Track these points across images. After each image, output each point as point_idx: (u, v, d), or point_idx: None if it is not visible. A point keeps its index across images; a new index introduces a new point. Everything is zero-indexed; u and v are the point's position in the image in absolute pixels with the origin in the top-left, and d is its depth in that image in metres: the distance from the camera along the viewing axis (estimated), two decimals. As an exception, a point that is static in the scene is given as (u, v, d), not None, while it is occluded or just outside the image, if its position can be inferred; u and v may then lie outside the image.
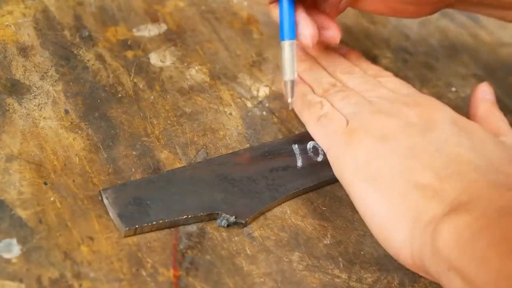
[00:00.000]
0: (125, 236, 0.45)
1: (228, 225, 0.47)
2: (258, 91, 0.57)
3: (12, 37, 0.57)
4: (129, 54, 0.58)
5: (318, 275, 0.45)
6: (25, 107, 0.52)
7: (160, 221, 0.46)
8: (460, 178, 0.46)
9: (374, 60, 0.62)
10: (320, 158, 0.52)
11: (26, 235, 0.44)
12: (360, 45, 0.64)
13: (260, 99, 0.57)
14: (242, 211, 0.47)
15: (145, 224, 0.45)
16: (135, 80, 0.56)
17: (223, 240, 0.46)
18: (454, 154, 0.48)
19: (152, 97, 0.55)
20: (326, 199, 0.50)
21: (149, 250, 0.45)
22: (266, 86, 0.58)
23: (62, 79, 0.55)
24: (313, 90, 0.56)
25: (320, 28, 0.54)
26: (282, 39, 0.50)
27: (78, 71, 0.56)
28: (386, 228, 0.46)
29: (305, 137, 0.53)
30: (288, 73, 0.50)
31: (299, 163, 0.51)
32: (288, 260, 0.46)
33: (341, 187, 0.50)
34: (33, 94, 0.53)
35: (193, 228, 0.47)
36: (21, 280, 0.42)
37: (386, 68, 0.61)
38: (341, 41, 0.56)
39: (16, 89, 0.53)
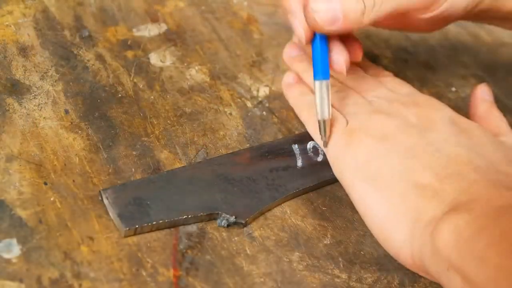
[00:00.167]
0: (125, 236, 0.45)
1: (228, 225, 0.47)
2: (258, 91, 0.57)
3: (12, 37, 0.57)
4: (129, 54, 0.58)
5: (318, 275, 0.45)
6: (25, 107, 0.52)
7: (160, 221, 0.46)
8: (460, 178, 0.46)
9: (374, 60, 0.62)
10: (320, 158, 0.52)
11: (26, 235, 0.44)
12: (360, 45, 0.64)
13: (260, 99, 0.57)
14: (242, 211, 0.47)
15: (145, 224, 0.45)
16: (135, 80, 0.56)
17: (223, 240, 0.46)
18: (453, 154, 0.48)
19: (152, 97, 0.55)
20: (326, 199, 0.50)
21: (149, 250, 0.45)
22: (266, 86, 0.58)
23: (62, 79, 0.55)
24: (312, 90, 0.56)
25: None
26: (316, 78, 0.49)
27: (78, 71, 0.56)
28: (386, 228, 0.46)
29: (305, 137, 0.53)
30: (320, 113, 0.50)
31: (299, 163, 0.51)
32: (288, 260, 0.46)
33: (341, 187, 0.50)
34: (33, 94, 0.53)
35: (193, 228, 0.47)
36: (21, 280, 0.42)
37: (386, 68, 0.61)
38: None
39: (16, 89, 0.53)
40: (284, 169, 0.51)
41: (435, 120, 0.51)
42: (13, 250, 0.43)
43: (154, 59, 0.58)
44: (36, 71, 0.55)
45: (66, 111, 0.52)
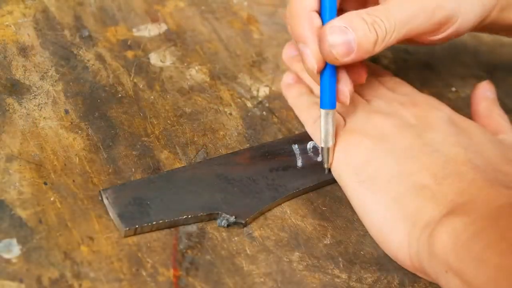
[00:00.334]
0: (125, 236, 0.45)
1: (228, 225, 0.47)
2: (258, 91, 0.57)
3: (12, 37, 0.57)
4: (129, 54, 0.58)
5: (318, 275, 0.45)
6: (25, 107, 0.52)
7: (160, 221, 0.46)
8: (459, 178, 0.46)
9: (374, 60, 0.62)
10: (320, 158, 0.52)
11: (26, 235, 0.44)
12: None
13: (260, 99, 0.57)
14: (242, 211, 0.47)
15: (145, 224, 0.45)
16: (135, 80, 0.56)
17: (223, 240, 0.46)
18: (452, 154, 0.48)
19: (152, 97, 0.55)
20: (326, 199, 0.50)
21: (149, 250, 0.45)
22: (266, 86, 0.58)
23: (62, 79, 0.55)
24: (311, 90, 0.56)
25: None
26: (323, 107, 0.49)
27: (78, 71, 0.56)
28: (384, 229, 0.46)
29: (305, 137, 0.53)
30: (324, 142, 0.50)
31: (299, 163, 0.51)
32: (288, 260, 0.46)
33: (341, 187, 0.50)
34: (33, 94, 0.53)
35: (193, 228, 0.47)
36: (21, 280, 0.42)
37: (386, 68, 0.61)
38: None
39: (16, 89, 0.53)
40: (284, 169, 0.51)
41: (433, 120, 0.51)
42: (13, 250, 0.43)
43: (154, 59, 0.58)
44: (36, 71, 0.55)
45: (66, 111, 0.52)
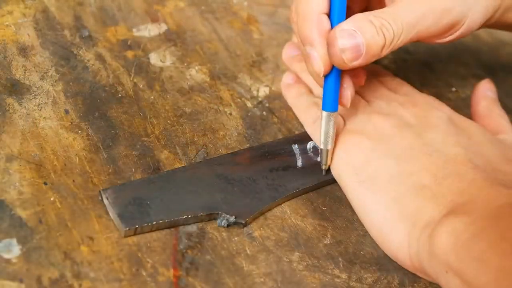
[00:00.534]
0: (125, 236, 0.45)
1: (228, 225, 0.47)
2: (258, 91, 0.57)
3: (12, 37, 0.57)
4: (129, 54, 0.58)
5: (318, 275, 0.45)
6: (25, 107, 0.52)
7: (160, 221, 0.46)
8: (458, 178, 0.46)
9: (374, 60, 0.62)
10: (320, 158, 0.52)
11: (26, 235, 0.44)
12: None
13: (260, 99, 0.57)
14: (242, 211, 0.47)
15: (145, 224, 0.45)
16: (135, 80, 0.56)
17: (223, 240, 0.46)
18: (452, 154, 0.48)
19: (152, 97, 0.55)
20: (326, 199, 0.50)
21: (149, 250, 0.45)
22: (266, 86, 0.58)
23: (62, 79, 0.55)
24: (311, 90, 0.56)
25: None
26: (325, 110, 0.49)
27: (78, 71, 0.56)
28: (384, 230, 0.46)
29: (305, 137, 0.53)
30: (324, 143, 0.49)
31: (299, 163, 0.51)
32: (288, 260, 0.46)
33: (341, 187, 0.50)
34: (33, 94, 0.53)
35: (193, 228, 0.47)
36: (21, 280, 0.42)
37: (386, 68, 0.61)
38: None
39: (16, 89, 0.53)
40: (284, 169, 0.51)
41: (433, 120, 0.51)
42: (13, 250, 0.43)
43: (154, 59, 0.58)
44: (36, 71, 0.55)
45: (66, 111, 0.52)
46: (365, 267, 0.46)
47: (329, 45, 0.46)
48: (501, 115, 0.54)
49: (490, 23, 0.51)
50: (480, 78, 0.62)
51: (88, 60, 0.57)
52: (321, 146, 0.50)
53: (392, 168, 0.48)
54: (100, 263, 0.44)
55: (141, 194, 0.47)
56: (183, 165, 0.50)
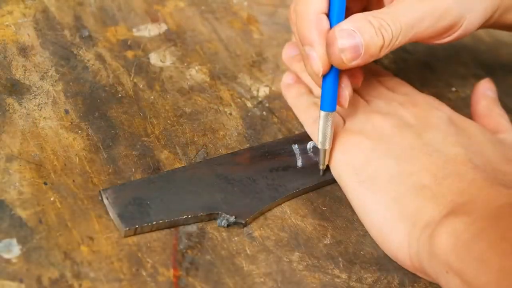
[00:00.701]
0: (125, 236, 0.45)
1: (228, 225, 0.47)
2: (258, 91, 0.57)
3: (12, 37, 0.57)
4: (129, 54, 0.58)
5: (318, 275, 0.45)
6: (25, 107, 0.52)
7: (160, 221, 0.46)
8: (458, 178, 0.46)
9: (374, 60, 0.62)
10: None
11: (26, 235, 0.44)
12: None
13: (260, 99, 0.57)
14: (242, 211, 0.47)
15: (145, 224, 0.45)
16: (135, 80, 0.56)
17: (223, 240, 0.46)
18: (452, 154, 0.48)
19: (152, 97, 0.55)
20: (326, 199, 0.50)
21: (149, 250, 0.45)
22: (266, 86, 0.58)
23: (62, 79, 0.55)
24: (310, 90, 0.56)
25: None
26: (323, 109, 0.49)
27: (78, 71, 0.56)
28: (384, 230, 0.46)
29: (305, 137, 0.53)
30: (322, 143, 0.49)
31: (299, 163, 0.51)
32: (288, 260, 0.46)
33: (341, 187, 0.50)
34: (33, 94, 0.53)
35: (193, 228, 0.47)
36: (21, 280, 0.42)
37: (386, 68, 0.61)
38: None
39: (16, 89, 0.53)
40: (284, 169, 0.51)
41: (433, 120, 0.51)
42: (13, 250, 0.43)
43: (154, 59, 0.58)
44: (36, 71, 0.55)
45: (66, 111, 0.52)
46: (365, 267, 0.46)
47: (328, 45, 0.46)
48: (501, 115, 0.54)
49: (489, 24, 0.51)
50: (480, 77, 0.62)
51: (88, 60, 0.57)
52: (319, 146, 0.50)
53: (392, 168, 0.48)
54: (100, 263, 0.44)
55: (141, 194, 0.47)
56: (183, 165, 0.50)
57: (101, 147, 0.50)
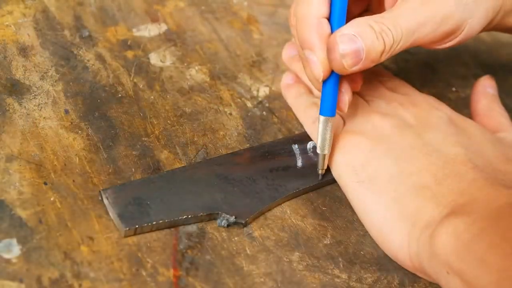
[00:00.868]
0: (125, 236, 0.45)
1: (228, 225, 0.47)
2: (258, 91, 0.57)
3: (12, 37, 0.57)
4: (129, 54, 0.58)
5: (318, 275, 0.45)
6: (25, 107, 0.52)
7: (160, 221, 0.46)
8: (458, 178, 0.46)
9: (374, 65, 0.62)
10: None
11: (26, 235, 0.44)
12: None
13: (260, 99, 0.57)
14: (242, 211, 0.47)
15: (145, 224, 0.45)
16: (135, 80, 0.56)
17: (223, 240, 0.46)
18: (451, 154, 0.48)
19: (152, 97, 0.55)
20: (326, 199, 0.50)
21: (149, 250, 0.45)
22: (266, 86, 0.58)
23: (62, 79, 0.55)
24: (310, 91, 0.56)
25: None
26: (323, 114, 0.49)
27: (78, 71, 0.56)
28: (384, 230, 0.46)
29: (305, 137, 0.53)
30: (321, 148, 0.49)
31: (299, 163, 0.51)
32: (288, 260, 0.46)
33: (341, 187, 0.50)
34: (33, 94, 0.53)
35: (193, 228, 0.47)
36: (21, 280, 0.42)
37: (387, 68, 0.61)
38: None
39: (16, 89, 0.53)
40: (284, 169, 0.51)
41: (433, 120, 0.51)
42: (13, 250, 0.43)
43: (154, 59, 0.58)
44: (36, 71, 0.55)
45: (66, 111, 0.52)
46: (365, 267, 0.46)
47: (329, 50, 0.46)
48: (501, 113, 0.54)
49: (490, 27, 0.51)
50: (480, 77, 0.62)
51: (88, 60, 0.57)
52: (318, 151, 0.50)
53: (392, 168, 0.48)
54: (100, 263, 0.44)
55: (141, 194, 0.47)
56: (183, 165, 0.50)
57: (101, 147, 0.50)
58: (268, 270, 0.45)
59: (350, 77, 0.49)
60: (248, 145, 0.53)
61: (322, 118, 0.49)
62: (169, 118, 0.53)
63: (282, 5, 0.66)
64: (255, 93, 0.57)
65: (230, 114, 0.55)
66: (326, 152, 0.49)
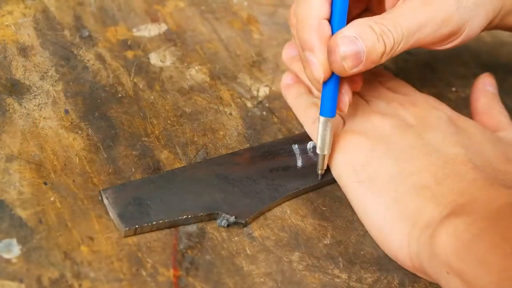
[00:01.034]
0: (125, 236, 0.45)
1: (228, 225, 0.47)
2: (258, 91, 0.57)
3: (12, 37, 0.57)
4: (129, 54, 0.58)
5: (318, 275, 0.45)
6: (25, 107, 0.52)
7: (160, 221, 0.46)
8: (458, 178, 0.46)
9: (375, 66, 0.62)
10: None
11: (26, 235, 0.44)
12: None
13: (260, 99, 0.57)
14: (242, 211, 0.47)
15: (145, 224, 0.45)
16: (135, 80, 0.56)
17: (223, 240, 0.46)
18: (451, 154, 0.48)
19: (152, 97, 0.55)
20: (326, 199, 0.50)
21: (149, 250, 0.45)
22: (266, 86, 0.58)
23: (62, 79, 0.55)
24: (310, 91, 0.56)
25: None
26: (323, 115, 0.49)
27: (78, 71, 0.56)
28: (384, 230, 0.46)
29: (305, 137, 0.53)
30: (321, 149, 0.49)
31: (299, 163, 0.51)
32: (288, 260, 0.46)
33: (341, 187, 0.50)
34: (33, 94, 0.53)
35: (193, 228, 0.47)
36: (21, 280, 0.42)
37: (387, 68, 0.61)
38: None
39: (16, 89, 0.53)
40: (284, 169, 0.51)
41: (433, 120, 0.51)
42: (13, 250, 0.43)
43: (154, 59, 0.58)
44: (36, 71, 0.55)
45: (66, 111, 0.52)
46: (365, 267, 0.46)
47: (330, 52, 0.46)
48: (501, 112, 0.54)
49: (490, 27, 0.51)
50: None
51: (88, 60, 0.57)
52: (318, 152, 0.50)
53: (392, 168, 0.48)
54: (100, 263, 0.44)
55: (141, 194, 0.47)
56: (183, 165, 0.50)
57: (101, 147, 0.50)
58: (268, 270, 0.45)
59: (350, 78, 0.49)
60: (248, 145, 0.53)
61: (322, 118, 0.49)
62: (169, 118, 0.53)
63: (282, 5, 0.66)
64: (255, 93, 0.57)
65: (230, 114, 0.55)
66: (326, 152, 0.49)
